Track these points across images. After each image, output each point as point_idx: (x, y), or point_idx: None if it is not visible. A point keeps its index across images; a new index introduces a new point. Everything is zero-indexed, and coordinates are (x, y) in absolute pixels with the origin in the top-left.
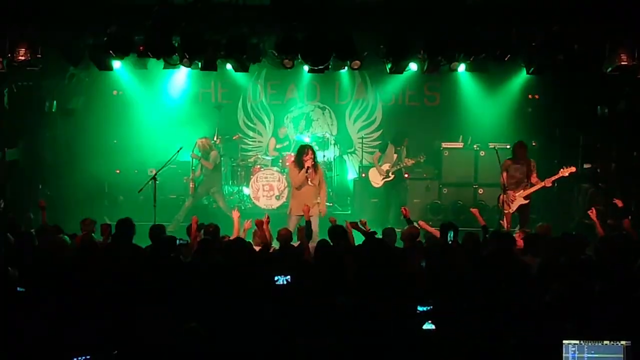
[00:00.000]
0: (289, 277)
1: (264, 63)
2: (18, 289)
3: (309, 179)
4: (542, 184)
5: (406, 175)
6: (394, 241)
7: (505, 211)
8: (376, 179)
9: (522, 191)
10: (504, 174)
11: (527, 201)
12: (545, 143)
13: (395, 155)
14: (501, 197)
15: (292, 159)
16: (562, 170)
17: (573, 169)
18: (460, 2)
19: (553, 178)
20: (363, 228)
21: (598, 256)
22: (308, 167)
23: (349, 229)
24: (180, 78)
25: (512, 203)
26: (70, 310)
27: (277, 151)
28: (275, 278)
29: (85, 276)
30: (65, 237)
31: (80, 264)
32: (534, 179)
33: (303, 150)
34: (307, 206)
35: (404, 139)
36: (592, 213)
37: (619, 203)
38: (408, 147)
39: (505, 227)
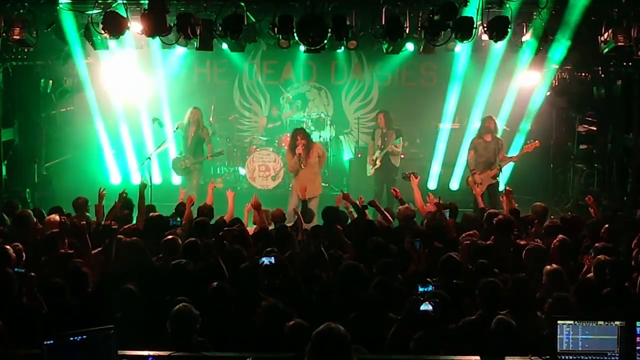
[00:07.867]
0: (272, 258)
1: (260, 43)
2: (16, 269)
3: (302, 164)
4: (510, 159)
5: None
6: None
7: (476, 192)
8: (369, 168)
9: (489, 171)
10: (472, 153)
11: (495, 180)
12: (542, 124)
13: (380, 140)
14: (469, 178)
15: (288, 141)
16: (526, 146)
17: (537, 144)
18: None
19: (520, 154)
20: (357, 202)
21: (593, 238)
22: (300, 154)
23: (346, 202)
24: (176, 58)
25: (481, 184)
26: (66, 289)
27: (270, 126)
28: (260, 260)
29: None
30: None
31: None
32: (501, 155)
33: (295, 136)
34: (304, 186)
35: (381, 114)
36: (590, 200)
37: (589, 200)
38: (399, 131)
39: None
